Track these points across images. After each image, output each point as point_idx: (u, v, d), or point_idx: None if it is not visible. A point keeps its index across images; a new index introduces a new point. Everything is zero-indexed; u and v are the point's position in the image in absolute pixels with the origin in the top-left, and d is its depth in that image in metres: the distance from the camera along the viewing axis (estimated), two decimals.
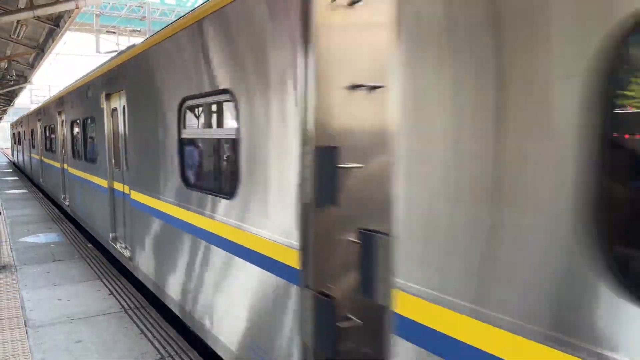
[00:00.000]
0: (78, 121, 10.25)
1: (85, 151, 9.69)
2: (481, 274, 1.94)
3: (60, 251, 9.08)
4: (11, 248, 9.21)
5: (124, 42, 25.05)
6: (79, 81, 10.27)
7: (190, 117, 4.95)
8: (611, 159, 1.53)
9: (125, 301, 6.37)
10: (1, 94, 25.06)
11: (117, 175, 7.57)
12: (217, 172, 4.76)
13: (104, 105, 7.81)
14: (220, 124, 4.65)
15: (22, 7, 10.08)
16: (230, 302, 4.08)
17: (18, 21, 10.93)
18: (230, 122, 4.17)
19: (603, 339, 1.52)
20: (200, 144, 4.92)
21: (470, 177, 1.96)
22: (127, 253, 7.08)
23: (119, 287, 6.98)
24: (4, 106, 36.34)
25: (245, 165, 3.69)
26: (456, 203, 2.02)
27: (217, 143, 4.59)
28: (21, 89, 24.15)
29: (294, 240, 3.09)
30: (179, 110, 4.85)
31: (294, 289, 3.15)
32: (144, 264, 6.35)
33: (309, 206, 2.94)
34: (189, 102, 4.72)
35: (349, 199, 2.89)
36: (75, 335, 5.29)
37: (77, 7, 9.65)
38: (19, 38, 13.28)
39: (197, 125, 5.01)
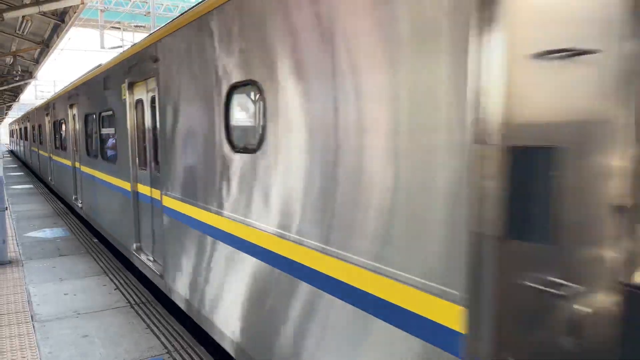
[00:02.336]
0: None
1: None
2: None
3: (66, 246, 9.12)
4: (17, 243, 9.25)
5: (129, 37, 25.07)
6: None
7: None
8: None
9: (131, 296, 6.39)
10: (6, 90, 25.12)
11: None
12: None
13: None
14: None
15: (28, 2, 10.09)
16: None
17: (23, 16, 10.93)
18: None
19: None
20: None
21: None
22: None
23: (124, 281, 7.01)
24: (9, 102, 36.44)
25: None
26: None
27: None
28: (26, 84, 24.21)
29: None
30: None
31: None
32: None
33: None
34: None
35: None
36: (81, 330, 5.31)
37: (82, 3, 9.65)
38: (24, 34, 13.30)
39: None
